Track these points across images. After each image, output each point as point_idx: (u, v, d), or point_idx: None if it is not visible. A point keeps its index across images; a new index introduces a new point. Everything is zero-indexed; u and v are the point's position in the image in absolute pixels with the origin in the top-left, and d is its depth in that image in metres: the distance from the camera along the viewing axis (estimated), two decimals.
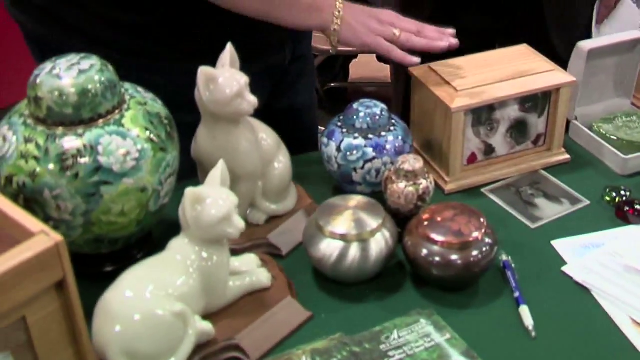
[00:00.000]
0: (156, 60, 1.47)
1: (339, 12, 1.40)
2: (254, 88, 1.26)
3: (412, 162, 1.33)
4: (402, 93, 1.89)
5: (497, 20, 1.89)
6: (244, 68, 1.27)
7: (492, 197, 1.46)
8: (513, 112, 1.48)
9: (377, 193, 1.39)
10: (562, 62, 1.53)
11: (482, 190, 1.48)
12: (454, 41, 1.43)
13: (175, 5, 1.42)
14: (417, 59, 1.42)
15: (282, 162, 1.36)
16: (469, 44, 1.46)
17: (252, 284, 1.23)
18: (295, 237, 1.35)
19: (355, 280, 1.27)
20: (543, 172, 1.51)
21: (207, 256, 1.15)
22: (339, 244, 1.24)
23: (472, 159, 1.49)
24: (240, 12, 1.41)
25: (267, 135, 1.34)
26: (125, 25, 1.44)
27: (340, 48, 1.45)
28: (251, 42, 1.43)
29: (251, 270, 1.24)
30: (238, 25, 1.43)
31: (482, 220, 1.26)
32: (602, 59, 1.56)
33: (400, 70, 1.77)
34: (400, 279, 1.30)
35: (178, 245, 1.16)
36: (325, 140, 1.42)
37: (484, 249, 1.24)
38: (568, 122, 1.56)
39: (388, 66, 2.92)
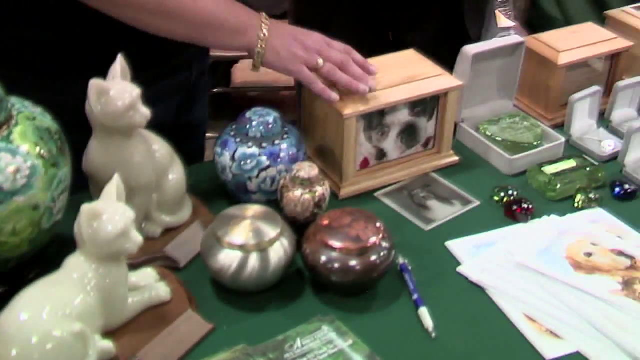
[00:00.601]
0: (54, 77, 1.43)
1: (264, 34, 1.39)
2: (163, 105, 1.24)
3: (308, 169, 1.33)
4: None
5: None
6: (153, 86, 1.25)
7: (386, 201, 1.48)
8: (403, 116, 1.50)
9: (272, 201, 1.39)
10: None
11: (375, 194, 1.50)
12: (373, 85, 1.44)
13: (78, 24, 1.39)
14: (336, 96, 1.41)
15: (176, 174, 1.34)
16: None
17: (152, 299, 1.20)
18: (192, 248, 1.34)
19: (255, 290, 1.27)
20: (434, 174, 1.55)
21: (104, 273, 1.12)
22: (238, 254, 1.23)
23: (365, 164, 1.50)
24: (166, 36, 1.39)
25: (160, 147, 1.32)
26: (25, 42, 1.39)
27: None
28: (161, 61, 1.41)
29: (150, 285, 1.22)
30: (146, 44, 1.40)
31: (379, 225, 1.27)
32: (485, 62, 1.60)
33: None
34: (300, 286, 1.30)
35: (74, 263, 1.13)
36: (219, 150, 1.40)
37: (382, 253, 1.25)
38: (456, 125, 1.60)
39: (271, 70, 2.95)
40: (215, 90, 3.55)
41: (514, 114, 1.64)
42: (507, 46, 1.60)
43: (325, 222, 1.27)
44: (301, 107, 1.54)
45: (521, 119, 1.63)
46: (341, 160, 1.46)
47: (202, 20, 1.38)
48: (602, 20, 2.01)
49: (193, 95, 1.68)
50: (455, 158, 1.58)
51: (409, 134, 1.53)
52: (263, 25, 1.40)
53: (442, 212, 1.46)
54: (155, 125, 1.27)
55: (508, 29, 2.17)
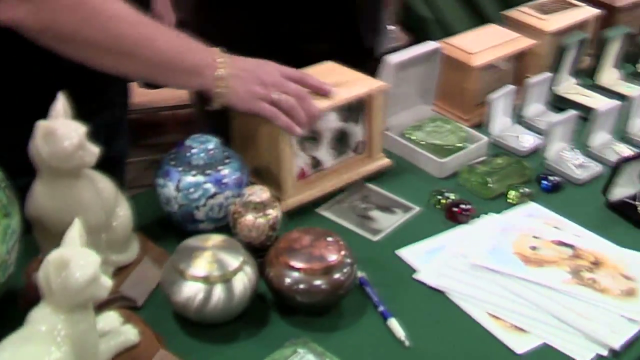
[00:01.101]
0: None
1: (221, 74, 1.37)
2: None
3: (260, 192, 1.32)
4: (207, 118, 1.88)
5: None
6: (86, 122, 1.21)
7: (329, 215, 1.48)
8: (333, 123, 1.51)
9: (219, 228, 1.37)
10: (368, 52, 1.59)
11: (317, 210, 1.50)
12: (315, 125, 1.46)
13: (16, 65, 1.34)
14: (299, 131, 1.41)
15: (123, 210, 1.30)
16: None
17: (122, 343, 1.15)
18: (147, 285, 1.30)
19: (221, 321, 1.24)
20: (370, 185, 1.56)
21: (74, 323, 1.06)
22: (202, 287, 1.20)
23: (302, 174, 1.50)
24: (121, 75, 1.36)
25: (105, 184, 1.27)
26: None
27: None
28: (96, 98, 1.37)
29: (116, 329, 1.17)
30: (76, 82, 1.35)
31: (339, 241, 1.28)
32: (405, 70, 1.63)
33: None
34: (265, 312, 1.28)
35: (40, 316, 1.06)
36: (161, 181, 1.37)
37: (345, 269, 1.25)
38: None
39: (150, 90, 2.88)
40: None
41: (435, 118, 1.68)
42: (424, 53, 1.64)
43: (286, 244, 1.26)
44: (230, 128, 1.52)
45: (443, 123, 1.67)
46: (279, 173, 1.45)
47: (159, 60, 1.35)
48: (473, 18, 2.10)
49: (117, 130, 1.63)
50: (387, 161, 1.60)
51: (341, 140, 1.54)
52: (219, 64, 1.38)
53: (386, 221, 1.47)
54: None
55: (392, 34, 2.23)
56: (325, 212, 1.49)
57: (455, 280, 1.34)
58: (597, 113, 1.63)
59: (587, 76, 1.90)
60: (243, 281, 1.23)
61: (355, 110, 1.54)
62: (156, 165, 1.42)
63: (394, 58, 1.58)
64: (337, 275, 1.24)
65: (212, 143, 1.37)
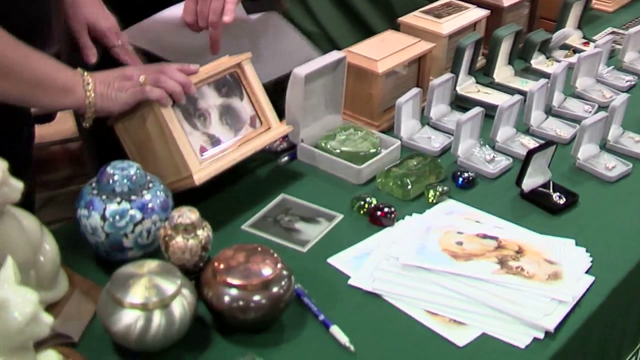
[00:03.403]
0: None
1: (89, 84, 1.39)
2: None
3: (188, 214, 1.30)
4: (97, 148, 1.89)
5: None
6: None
7: (254, 232, 1.48)
8: (214, 99, 1.54)
9: (148, 254, 1.34)
10: None
11: (242, 227, 1.49)
12: (193, 90, 1.47)
13: None
14: (170, 101, 1.44)
15: (49, 245, 1.26)
16: None
17: None
18: (81, 320, 1.26)
19: (163, 348, 1.22)
20: (291, 197, 1.56)
21: None
22: (141, 314, 1.18)
23: (204, 152, 1.51)
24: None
25: (29, 221, 1.23)
26: None
27: None
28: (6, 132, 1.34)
29: None
30: None
31: (274, 255, 1.28)
32: (313, 81, 1.64)
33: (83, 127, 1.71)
34: (206, 333, 1.27)
35: None
36: (84, 211, 1.33)
37: (283, 282, 1.25)
38: (296, 145, 1.63)
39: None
40: None
41: (346, 126, 1.70)
42: (330, 63, 1.65)
43: (222, 262, 1.25)
44: (124, 145, 1.52)
45: (355, 130, 1.69)
46: (179, 152, 1.45)
47: (34, 78, 1.35)
48: (359, 31, 2.13)
49: (26, 164, 1.58)
50: (287, 127, 1.62)
51: (231, 115, 1.56)
52: (85, 78, 1.40)
53: (312, 232, 1.48)
54: None
55: None
56: (250, 229, 1.49)
57: (389, 282, 1.36)
58: (501, 109, 1.69)
59: (484, 74, 1.96)
60: (182, 305, 1.21)
61: (234, 85, 1.57)
62: (53, 202, 1.40)
63: (303, 70, 1.59)
64: (275, 289, 1.24)
65: (133, 168, 1.35)
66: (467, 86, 1.90)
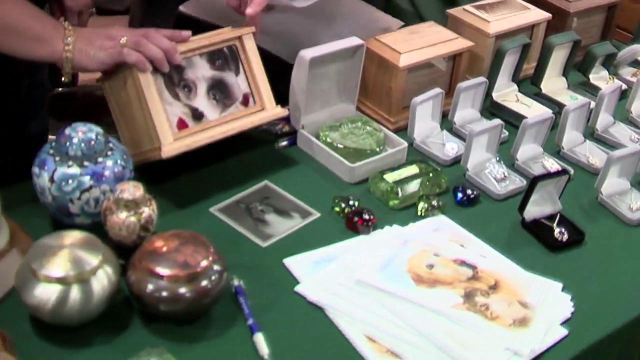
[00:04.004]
0: None
1: (69, 38, 1.35)
2: None
3: (132, 190, 1.24)
4: None
5: None
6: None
7: (221, 216, 1.40)
8: (205, 70, 1.46)
9: (98, 223, 1.29)
10: None
11: (211, 209, 1.42)
12: (178, 59, 1.40)
13: None
14: (149, 66, 1.37)
15: None
16: None
17: None
18: (7, 281, 1.22)
19: (78, 324, 1.17)
20: (273, 185, 1.48)
21: None
22: (57, 288, 1.13)
23: (183, 124, 1.43)
24: None
25: None
26: None
27: None
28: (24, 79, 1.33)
29: None
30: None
31: (208, 246, 1.20)
32: (324, 65, 1.54)
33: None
34: (128, 316, 1.21)
35: None
36: (37, 170, 1.29)
37: (213, 277, 1.18)
38: (297, 131, 1.53)
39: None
40: (60, 90, 3.36)
41: (356, 118, 1.59)
42: (346, 49, 1.54)
43: (151, 247, 1.19)
44: (110, 105, 1.46)
45: (363, 124, 1.57)
46: (151, 121, 1.38)
47: (6, 24, 1.34)
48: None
49: (27, 108, 1.57)
50: (281, 110, 1.52)
51: (221, 90, 1.47)
52: (67, 32, 1.36)
53: (281, 227, 1.39)
54: None
55: None
56: (217, 212, 1.41)
57: (337, 296, 1.25)
58: (525, 124, 1.53)
59: (532, 83, 1.79)
60: (102, 281, 1.16)
61: (230, 59, 1.48)
62: None
63: (309, 53, 1.49)
64: (203, 283, 1.17)
65: (93, 133, 1.29)
66: (506, 93, 1.74)
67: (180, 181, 1.47)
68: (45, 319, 1.16)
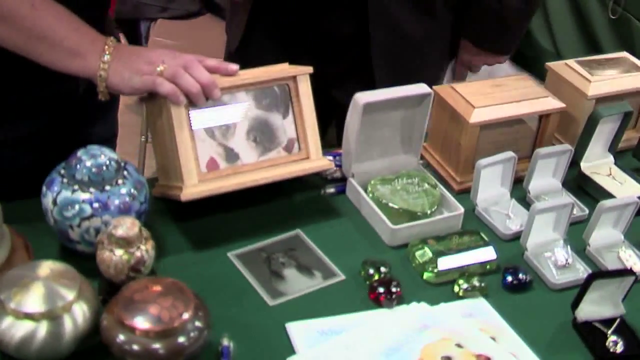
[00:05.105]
0: None
1: (107, 56, 1.27)
2: (39, 116, 1.27)
3: (126, 226, 1.15)
4: None
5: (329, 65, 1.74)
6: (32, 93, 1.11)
7: (237, 263, 1.29)
8: (249, 110, 1.34)
9: None
10: None
11: (228, 254, 1.31)
12: (217, 94, 1.29)
13: None
14: (183, 99, 1.27)
15: None
16: None
17: None
18: None
19: None
20: (304, 237, 1.35)
21: None
22: (25, 324, 1.06)
23: (213, 165, 1.32)
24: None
25: None
26: None
27: None
28: (32, 68, 1.29)
29: None
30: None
31: (190, 299, 1.09)
32: (385, 112, 1.40)
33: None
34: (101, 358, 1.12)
35: None
36: (44, 189, 1.23)
37: (192, 334, 1.07)
38: (347, 179, 1.41)
39: None
40: None
41: (414, 173, 1.43)
42: (411, 96, 1.39)
43: (127, 292, 1.09)
44: (148, 126, 1.38)
45: (420, 180, 1.42)
46: (177, 158, 1.29)
47: (38, 31, 1.27)
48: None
49: (87, 111, 1.52)
50: (327, 162, 1.38)
51: (263, 132, 1.35)
52: (107, 49, 1.28)
53: (297, 285, 1.26)
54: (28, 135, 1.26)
55: None
56: (234, 259, 1.30)
57: None
58: (601, 207, 1.33)
59: (634, 156, 1.57)
60: (76, 318, 1.08)
61: (280, 100, 1.36)
62: None
63: (365, 97, 1.35)
64: (180, 340, 1.06)
65: (105, 158, 1.22)
66: (598, 165, 1.52)
67: (208, 219, 1.37)
68: (10, 354, 1.09)
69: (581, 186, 1.51)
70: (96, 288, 1.18)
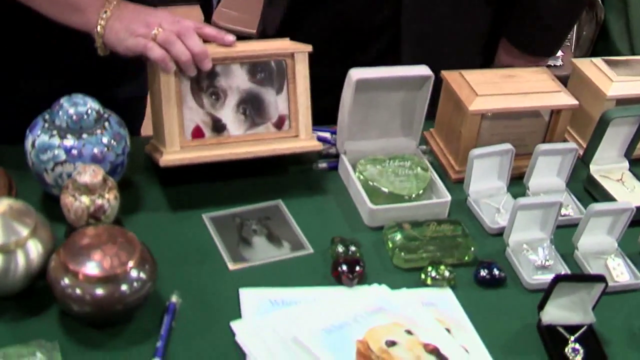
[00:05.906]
0: None
1: (105, 15, 1.29)
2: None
3: (89, 174, 1.17)
4: None
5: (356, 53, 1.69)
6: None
7: (209, 225, 1.29)
8: (242, 81, 1.33)
9: None
10: None
11: (203, 215, 1.31)
12: (207, 65, 1.29)
13: None
14: (172, 66, 1.28)
15: None
16: None
17: None
18: None
19: None
20: (284, 208, 1.34)
21: None
22: None
23: (198, 133, 1.32)
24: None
25: None
26: None
27: None
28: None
29: None
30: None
31: (136, 251, 1.10)
32: (383, 92, 1.37)
33: None
34: (45, 301, 1.14)
35: None
36: (27, 132, 1.26)
37: (135, 284, 1.09)
38: (339, 155, 1.39)
39: None
40: None
41: (408, 157, 1.40)
42: (409, 77, 1.36)
43: (75, 239, 1.11)
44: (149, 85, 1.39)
45: (413, 164, 1.38)
46: (162, 122, 1.29)
47: None
48: None
49: (115, 71, 1.55)
50: (316, 143, 1.37)
51: (253, 106, 1.34)
52: (106, 5, 1.29)
53: (263, 253, 1.26)
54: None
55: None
56: (207, 221, 1.30)
57: (266, 348, 1.10)
58: (590, 211, 1.26)
59: None
60: (30, 254, 1.12)
61: (275, 75, 1.34)
62: None
63: (357, 74, 1.32)
64: (123, 288, 1.08)
65: (85, 107, 1.24)
66: (610, 169, 1.44)
67: (192, 183, 1.37)
68: None
69: (587, 188, 1.44)
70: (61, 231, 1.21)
